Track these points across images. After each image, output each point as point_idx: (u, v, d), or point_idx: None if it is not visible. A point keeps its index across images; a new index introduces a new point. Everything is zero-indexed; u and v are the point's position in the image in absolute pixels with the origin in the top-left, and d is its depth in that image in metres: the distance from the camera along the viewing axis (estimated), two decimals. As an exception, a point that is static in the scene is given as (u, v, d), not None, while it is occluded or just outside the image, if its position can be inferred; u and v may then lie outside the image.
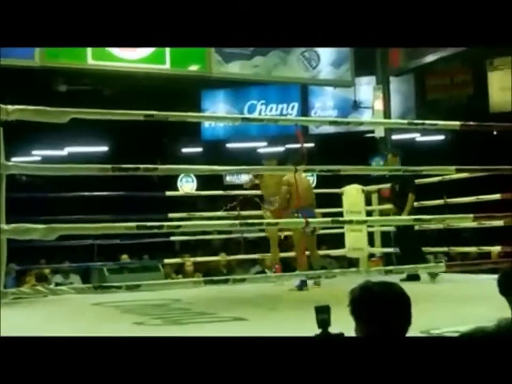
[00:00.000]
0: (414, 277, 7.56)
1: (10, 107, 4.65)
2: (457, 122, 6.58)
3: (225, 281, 5.54)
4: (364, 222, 7.88)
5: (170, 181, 14.54)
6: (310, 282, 7.41)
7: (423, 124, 6.81)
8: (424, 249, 9.61)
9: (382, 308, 2.42)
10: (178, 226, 5.75)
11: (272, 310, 6.04)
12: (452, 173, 7.49)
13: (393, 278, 5.49)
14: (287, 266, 8.95)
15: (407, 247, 8.16)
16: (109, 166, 5.12)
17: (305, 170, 6.51)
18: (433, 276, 7.71)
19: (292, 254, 8.62)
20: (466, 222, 7.74)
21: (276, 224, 6.63)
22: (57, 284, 9.44)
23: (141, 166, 5.15)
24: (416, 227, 8.20)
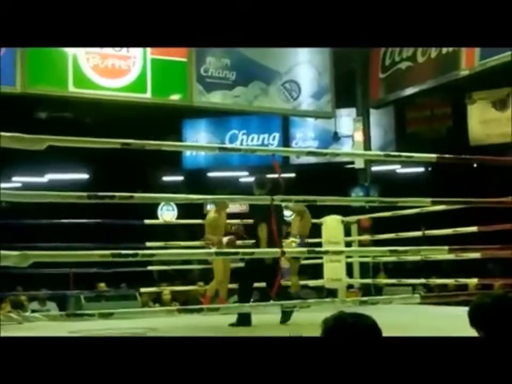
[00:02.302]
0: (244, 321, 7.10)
1: (-16, 134, 4.66)
2: (434, 155, 6.60)
3: (199, 310, 5.52)
4: (340, 252, 7.88)
5: (155, 209, 14.51)
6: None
7: (399, 156, 6.85)
8: (403, 281, 9.65)
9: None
10: (153, 255, 5.74)
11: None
12: (427, 205, 7.53)
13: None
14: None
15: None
16: (85, 193, 5.13)
17: (282, 200, 6.53)
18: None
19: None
20: (442, 254, 7.77)
21: (253, 253, 6.61)
22: (33, 311, 9.37)
23: (117, 194, 5.15)
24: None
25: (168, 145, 6.54)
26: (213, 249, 7.55)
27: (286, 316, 7.17)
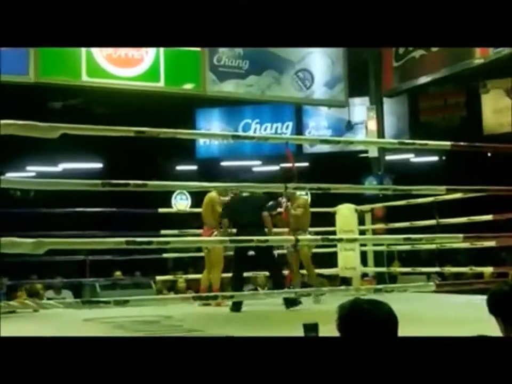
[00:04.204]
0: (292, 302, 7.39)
1: (-2, 121, 4.66)
2: (448, 143, 6.59)
3: (214, 298, 5.53)
4: (354, 240, 7.87)
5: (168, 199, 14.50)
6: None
7: (413, 143, 6.84)
8: (418, 269, 9.64)
9: (369, 326, 2.43)
10: (167, 243, 5.75)
11: (262, 327, 6.03)
12: (442, 193, 7.50)
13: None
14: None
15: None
16: (99, 181, 5.13)
17: (295, 188, 6.53)
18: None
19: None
20: (457, 242, 7.76)
21: (266, 241, 6.62)
22: (48, 299, 9.41)
23: (131, 181, 5.16)
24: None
25: (182, 133, 6.53)
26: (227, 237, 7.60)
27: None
